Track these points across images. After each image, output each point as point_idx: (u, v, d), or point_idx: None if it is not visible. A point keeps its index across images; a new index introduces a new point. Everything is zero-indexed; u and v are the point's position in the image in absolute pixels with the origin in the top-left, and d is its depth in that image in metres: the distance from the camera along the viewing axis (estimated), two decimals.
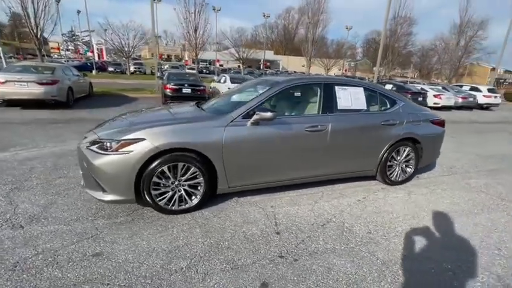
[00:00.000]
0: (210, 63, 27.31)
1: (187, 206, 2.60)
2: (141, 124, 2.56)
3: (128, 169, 2.33)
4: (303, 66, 37.44)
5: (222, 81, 11.35)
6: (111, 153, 2.31)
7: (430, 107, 13.53)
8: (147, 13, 13.38)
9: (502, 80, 55.44)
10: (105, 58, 42.05)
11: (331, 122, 2.93)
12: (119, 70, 28.44)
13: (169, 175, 2.47)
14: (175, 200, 2.54)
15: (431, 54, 50.48)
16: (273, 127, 2.71)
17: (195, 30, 17.50)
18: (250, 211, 2.70)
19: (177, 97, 9.17)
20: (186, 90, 9.28)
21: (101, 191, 2.41)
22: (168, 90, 9.12)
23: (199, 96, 9.55)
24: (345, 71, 41.69)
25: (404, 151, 3.43)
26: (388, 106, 3.40)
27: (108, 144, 2.36)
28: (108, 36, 26.37)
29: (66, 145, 4.57)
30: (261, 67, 43.20)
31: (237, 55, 28.76)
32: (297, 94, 3.14)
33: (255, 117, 2.57)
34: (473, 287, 1.84)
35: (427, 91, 13.63)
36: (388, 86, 13.98)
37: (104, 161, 2.30)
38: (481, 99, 15.30)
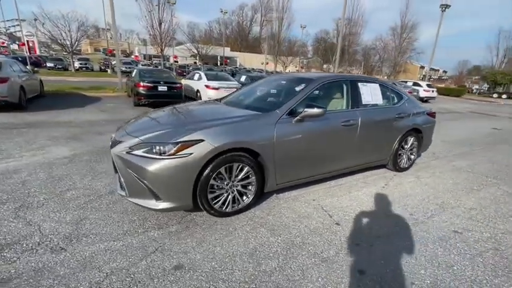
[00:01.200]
0: (165, 59, 25.71)
1: (240, 206, 2.53)
2: (193, 124, 2.40)
3: (188, 173, 2.18)
4: (263, 63, 38.08)
5: (195, 78, 10.91)
6: (167, 157, 2.12)
7: None
8: (90, 2, 11.98)
9: (429, 76, 64.39)
10: (37, 52, 36.48)
11: (360, 116, 3.14)
12: (60, 66, 24.90)
13: (225, 176, 2.37)
14: (228, 201, 2.46)
15: (372, 53, 55.81)
16: (315, 123, 2.78)
17: (160, 24, 16.25)
18: (297, 206, 2.75)
19: (153, 95, 8.56)
20: (162, 88, 8.70)
21: (153, 199, 2.19)
22: (142, 88, 8.42)
23: (176, 94, 9.08)
24: (301, 68, 43.65)
25: (410, 140, 3.85)
26: (397, 100, 3.77)
27: (161, 147, 2.15)
28: (42, 27, 22.89)
29: (48, 153, 3.96)
30: (219, 63, 42.59)
31: (195, 51, 27.77)
32: (330, 91, 3.28)
33: (303, 114, 2.61)
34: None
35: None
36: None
37: (160, 166, 2.10)
38: (422, 93, 17.66)
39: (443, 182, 3.59)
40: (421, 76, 55.52)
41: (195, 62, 42.00)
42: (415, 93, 17.06)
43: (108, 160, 3.75)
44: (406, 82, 19.43)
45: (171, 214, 2.46)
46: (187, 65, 33.14)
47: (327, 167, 3.08)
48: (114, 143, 2.45)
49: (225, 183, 2.39)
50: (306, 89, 2.89)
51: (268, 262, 1.90)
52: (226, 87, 9.84)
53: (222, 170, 2.33)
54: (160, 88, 8.66)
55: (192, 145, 2.16)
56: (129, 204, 2.58)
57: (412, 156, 3.99)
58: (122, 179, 2.31)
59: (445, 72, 74.43)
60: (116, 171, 2.42)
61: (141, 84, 8.43)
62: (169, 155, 2.12)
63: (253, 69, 35.31)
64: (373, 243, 2.17)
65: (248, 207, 2.60)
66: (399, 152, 3.76)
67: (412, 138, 3.86)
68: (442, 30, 24.10)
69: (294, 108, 2.71)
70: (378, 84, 3.53)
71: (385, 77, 46.77)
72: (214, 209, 2.38)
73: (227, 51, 36.92)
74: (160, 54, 20.16)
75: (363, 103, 3.27)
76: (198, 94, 10.35)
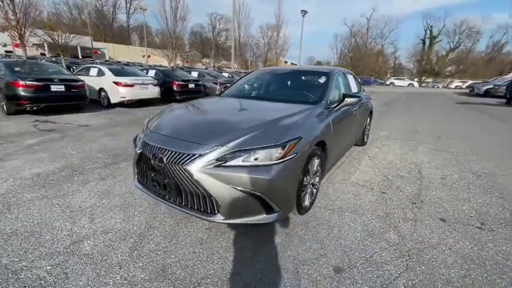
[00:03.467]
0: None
1: (312, 198, 2.54)
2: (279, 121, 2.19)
3: (296, 175, 2.04)
4: (144, 56, 34.00)
5: (93, 74, 8.67)
6: (279, 161, 1.88)
7: None
8: None
9: None
10: None
11: (357, 102, 3.71)
12: None
13: (310, 171, 2.32)
14: (308, 196, 2.43)
15: (246, 49, 61.05)
16: (343, 110, 3.09)
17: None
18: (346, 189, 2.99)
19: (44, 98, 6.24)
20: (58, 88, 6.46)
21: (263, 212, 1.90)
22: (24, 89, 5.93)
23: (78, 95, 7.00)
24: (186, 62, 42.10)
25: (369, 119, 4.86)
26: (362, 89, 4.64)
27: (267, 152, 1.88)
28: None
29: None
30: (82, 56, 34.64)
31: (47, 38, 21.27)
32: (337, 81, 3.62)
33: (345, 102, 2.86)
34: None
35: None
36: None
37: (275, 172, 1.84)
38: None
39: (418, 153, 4.82)
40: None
41: (43, 54, 32.24)
42: None
43: None
44: None
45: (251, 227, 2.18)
46: (36, 57, 25.05)
47: (342, 149, 3.49)
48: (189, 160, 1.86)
49: (308, 178, 2.34)
50: (330, 81, 3.14)
51: (386, 235, 2.12)
52: (142, 84, 8.50)
53: (309, 166, 2.28)
54: (54, 88, 6.41)
55: (295, 144, 2.01)
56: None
57: (368, 133, 5.06)
58: (217, 202, 1.84)
59: (300, 65, 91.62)
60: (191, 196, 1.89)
61: (22, 83, 5.95)
62: (279, 159, 1.89)
63: (133, 63, 30.98)
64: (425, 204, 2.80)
65: (315, 199, 2.65)
66: (365, 130, 4.69)
67: (369, 119, 4.89)
68: (298, 30, 29.62)
69: (330, 98, 2.92)
70: (353, 76, 4.23)
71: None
72: (302, 207, 2.30)
73: (88, 41, 30.19)
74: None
75: (352, 91, 3.87)
76: (103, 94, 8.37)
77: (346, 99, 2.88)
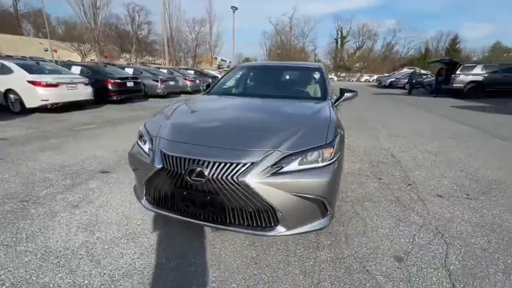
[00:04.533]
0: None
1: None
2: (300, 121, 2.12)
3: (341, 172, 1.97)
4: (47, 50, 27.98)
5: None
6: (331, 161, 1.79)
7: None
8: None
9: (222, 66, 76.58)
10: None
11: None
12: None
13: None
14: None
15: (175, 44, 57.57)
16: (338, 105, 3.20)
17: None
18: (348, 180, 3.11)
19: None
20: None
21: (320, 216, 1.80)
22: None
23: None
24: (105, 57, 36.53)
25: None
26: None
27: (320, 153, 1.77)
28: None
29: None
30: None
31: None
32: None
33: (344, 97, 2.95)
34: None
35: (218, 76, 16.86)
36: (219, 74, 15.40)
37: (331, 173, 1.74)
38: None
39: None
40: (217, 66, 65.62)
41: None
42: None
43: None
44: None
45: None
46: None
47: None
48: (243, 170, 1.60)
49: None
50: (325, 76, 3.20)
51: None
52: (70, 83, 7.05)
53: None
54: None
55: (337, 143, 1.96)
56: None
57: None
58: (275, 212, 1.64)
59: (230, 62, 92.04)
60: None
61: None
62: (331, 159, 1.81)
63: (30, 57, 25.16)
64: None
65: None
66: None
67: None
68: (228, 26, 29.81)
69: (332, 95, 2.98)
70: None
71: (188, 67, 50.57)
72: None
73: None
74: None
75: None
76: (12, 96, 6.56)
77: (345, 93, 2.99)
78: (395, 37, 63.55)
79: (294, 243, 1.94)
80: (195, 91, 14.35)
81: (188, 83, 13.40)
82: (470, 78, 12.86)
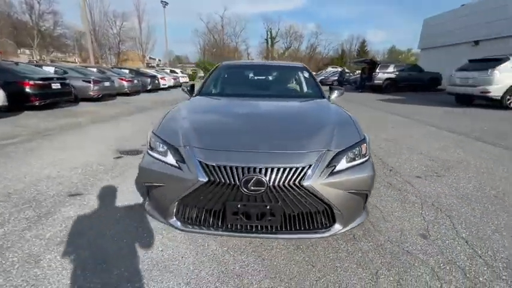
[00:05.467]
0: None
1: None
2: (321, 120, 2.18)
3: None
4: None
5: None
6: (368, 156, 1.89)
7: (162, 88, 15.90)
8: None
9: (150, 64, 70.77)
10: None
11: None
12: None
13: None
14: None
15: (99, 39, 50.59)
16: None
17: None
18: None
19: None
20: None
21: (363, 210, 1.89)
22: None
23: None
24: (0, 53, 28.93)
25: None
26: None
27: (359, 149, 1.84)
28: None
29: None
30: None
31: None
32: None
33: (336, 95, 3.11)
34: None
35: (156, 75, 15.58)
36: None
37: (372, 167, 1.84)
38: (182, 79, 20.40)
39: None
40: (146, 64, 60.24)
41: None
42: (178, 80, 19.39)
43: None
44: (163, 69, 21.11)
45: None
46: None
47: None
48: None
49: None
50: (312, 75, 3.31)
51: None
52: None
53: None
54: None
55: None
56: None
57: None
58: (334, 211, 1.65)
59: (160, 60, 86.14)
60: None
61: None
62: (367, 155, 1.91)
63: None
64: None
65: None
66: None
67: None
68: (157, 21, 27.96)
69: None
70: None
71: (109, 65, 45.23)
72: None
73: None
74: None
75: None
76: None
77: (335, 91, 3.17)
78: (317, 39, 70.39)
79: (333, 239, 1.98)
80: (135, 92, 12.95)
81: (125, 83, 11.97)
82: (386, 75, 15.31)
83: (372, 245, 1.92)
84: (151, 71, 16.82)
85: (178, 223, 1.70)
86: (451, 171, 3.36)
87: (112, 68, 14.21)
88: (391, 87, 15.28)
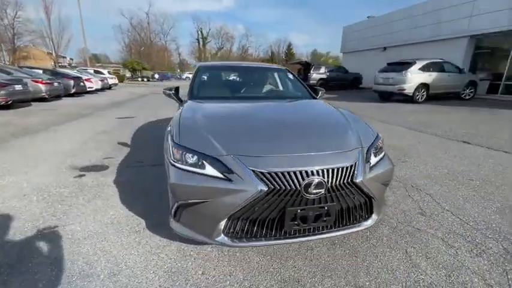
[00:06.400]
0: None
1: None
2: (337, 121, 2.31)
3: None
4: None
5: None
6: (384, 151, 2.09)
7: (88, 91, 13.91)
8: None
9: (61, 63, 60.23)
10: None
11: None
12: None
13: None
14: None
15: None
16: None
17: None
18: None
19: None
20: None
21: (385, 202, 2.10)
22: None
23: None
24: None
25: None
26: None
27: (377, 145, 2.03)
28: None
29: None
30: None
31: None
32: None
33: (320, 95, 3.31)
34: None
35: (81, 76, 13.41)
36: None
37: (390, 160, 2.06)
38: (110, 81, 18.05)
39: None
40: (53, 63, 50.66)
41: None
42: (106, 81, 17.14)
43: None
44: (85, 70, 18.24)
45: None
46: None
47: None
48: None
49: None
50: (295, 76, 3.44)
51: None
52: None
53: None
54: None
55: None
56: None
57: None
58: (372, 203, 1.79)
59: (71, 59, 74.26)
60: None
61: None
62: (382, 150, 2.12)
63: None
64: None
65: None
66: None
67: None
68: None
69: None
70: None
71: (7, 63, 36.76)
72: None
73: None
74: None
75: None
76: None
77: (319, 92, 3.38)
78: (248, 41, 72.56)
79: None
80: (55, 97, 10.89)
81: (42, 86, 9.90)
82: (320, 76, 16.96)
83: (389, 229, 2.15)
84: (73, 72, 14.33)
85: (227, 239, 1.57)
86: (409, 156, 4.01)
87: (21, 68, 11.56)
88: (323, 86, 16.96)
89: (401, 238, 2.03)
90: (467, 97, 10.94)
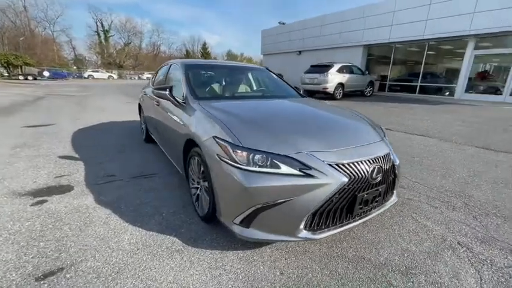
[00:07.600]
0: None
1: None
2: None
3: None
4: None
5: None
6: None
7: None
8: None
9: None
10: None
11: None
12: None
13: None
14: None
15: None
16: None
17: None
18: None
19: None
20: None
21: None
22: None
23: None
24: None
25: None
26: None
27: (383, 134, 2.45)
28: None
29: None
30: None
31: None
32: None
33: (302, 93, 3.58)
34: None
35: None
36: None
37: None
38: None
39: None
40: None
41: None
42: None
43: None
44: None
45: None
46: None
47: None
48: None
49: None
50: (279, 76, 3.59)
51: None
52: None
53: None
54: None
55: None
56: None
57: None
58: (397, 181, 2.16)
59: None
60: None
61: None
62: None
63: None
64: None
65: None
66: None
67: None
68: None
69: None
70: None
71: None
72: None
73: None
74: None
75: None
76: None
77: (302, 92, 3.65)
78: (159, 37, 67.64)
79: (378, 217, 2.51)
80: None
81: None
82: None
83: (399, 218, 2.61)
84: None
85: (310, 234, 1.62)
86: None
87: None
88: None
89: (403, 208, 2.52)
90: (368, 94, 13.61)
